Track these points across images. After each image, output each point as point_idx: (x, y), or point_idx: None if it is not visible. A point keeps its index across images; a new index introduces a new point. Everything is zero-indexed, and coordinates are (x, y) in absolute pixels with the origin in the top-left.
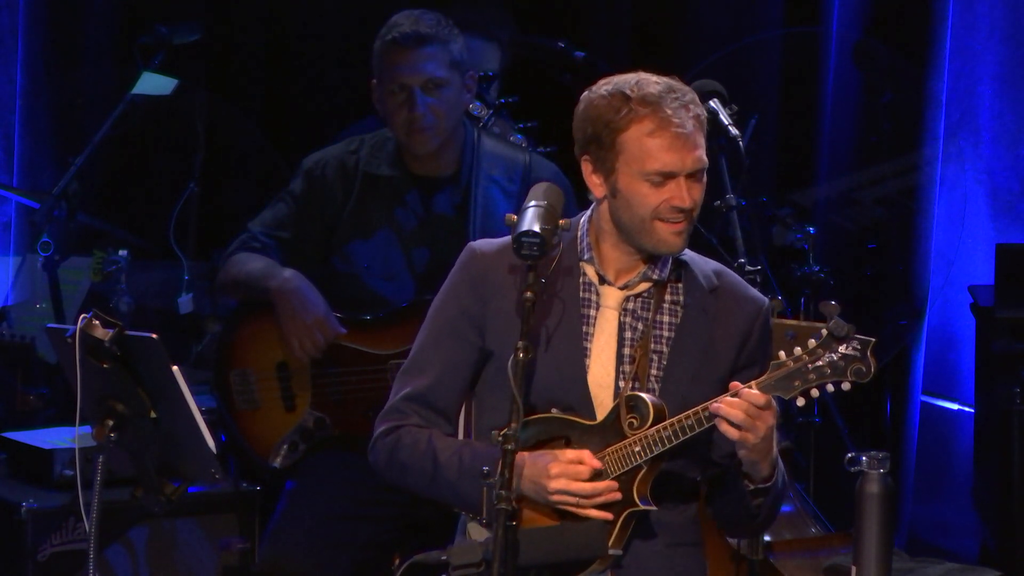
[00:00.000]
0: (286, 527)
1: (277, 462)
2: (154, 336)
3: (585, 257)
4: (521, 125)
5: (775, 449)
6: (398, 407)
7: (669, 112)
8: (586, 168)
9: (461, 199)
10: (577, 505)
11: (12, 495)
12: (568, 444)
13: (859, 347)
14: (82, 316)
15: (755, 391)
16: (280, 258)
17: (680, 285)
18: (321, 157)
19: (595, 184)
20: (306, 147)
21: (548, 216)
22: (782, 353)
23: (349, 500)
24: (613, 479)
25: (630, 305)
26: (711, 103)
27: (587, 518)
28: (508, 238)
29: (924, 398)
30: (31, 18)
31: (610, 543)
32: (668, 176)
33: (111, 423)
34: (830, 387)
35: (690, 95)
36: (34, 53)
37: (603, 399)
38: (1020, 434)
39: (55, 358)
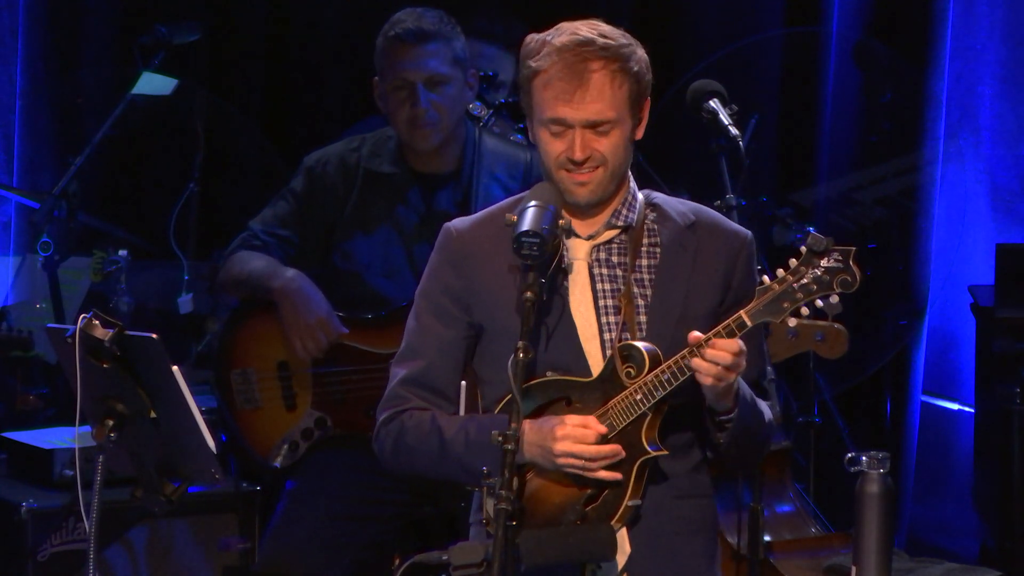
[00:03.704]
0: (286, 527)
1: (278, 462)
2: (154, 336)
3: None
4: (521, 125)
5: (738, 383)
6: (397, 392)
7: (569, 61)
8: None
9: (462, 196)
10: (584, 468)
11: (12, 495)
12: (569, 404)
13: (841, 258)
14: (82, 316)
15: (731, 339)
16: (281, 256)
17: (657, 227)
18: (322, 155)
19: (529, 131)
20: (306, 147)
21: (548, 216)
22: (766, 278)
23: (349, 500)
24: (620, 431)
25: (601, 255)
26: (711, 103)
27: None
28: (484, 212)
29: (924, 398)
30: (31, 18)
31: (627, 496)
32: (563, 125)
33: (111, 423)
34: (819, 303)
35: (613, 48)
36: (34, 53)
37: (591, 351)
38: (1020, 434)
39: (55, 358)
